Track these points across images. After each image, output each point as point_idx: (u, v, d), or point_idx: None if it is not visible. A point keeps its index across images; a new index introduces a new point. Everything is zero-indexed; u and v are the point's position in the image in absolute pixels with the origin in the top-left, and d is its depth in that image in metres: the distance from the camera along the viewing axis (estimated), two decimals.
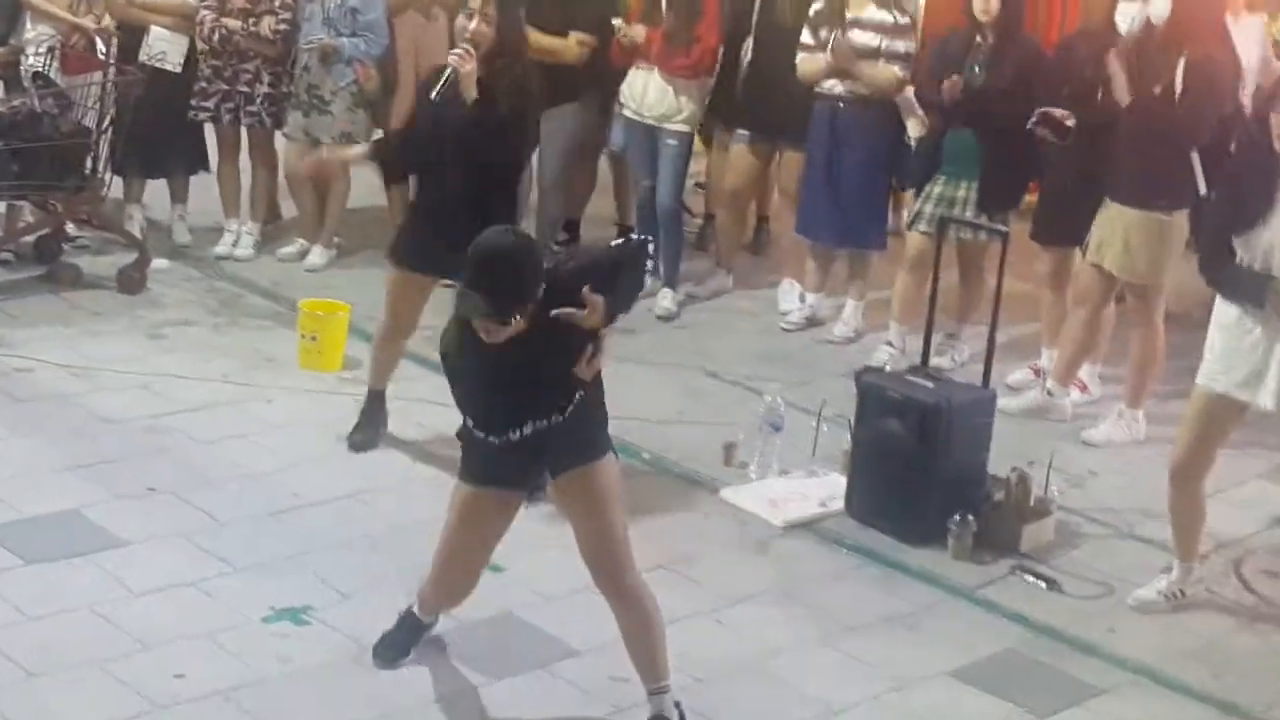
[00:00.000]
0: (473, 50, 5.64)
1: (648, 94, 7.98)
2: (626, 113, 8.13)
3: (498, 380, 4.19)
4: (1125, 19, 6.77)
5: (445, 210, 5.77)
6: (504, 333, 4.06)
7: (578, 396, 4.22)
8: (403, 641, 4.76)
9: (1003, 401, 6.84)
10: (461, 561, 4.59)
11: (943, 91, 7.18)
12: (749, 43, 8.14)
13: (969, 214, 7.20)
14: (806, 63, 7.74)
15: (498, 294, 4.03)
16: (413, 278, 6.08)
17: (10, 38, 8.04)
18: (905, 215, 7.82)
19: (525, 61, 5.93)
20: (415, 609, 4.77)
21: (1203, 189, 6.32)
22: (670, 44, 7.85)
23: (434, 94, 5.66)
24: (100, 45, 7.85)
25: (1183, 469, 5.33)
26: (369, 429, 6.27)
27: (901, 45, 7.61)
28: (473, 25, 5.69)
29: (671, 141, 8.02)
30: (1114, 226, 6.64)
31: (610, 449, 4.41)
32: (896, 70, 7.59)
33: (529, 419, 4.22)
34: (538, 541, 5.25)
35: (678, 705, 4.41)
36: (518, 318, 4.04)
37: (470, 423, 4.33)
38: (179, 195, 8.72)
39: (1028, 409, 7.03)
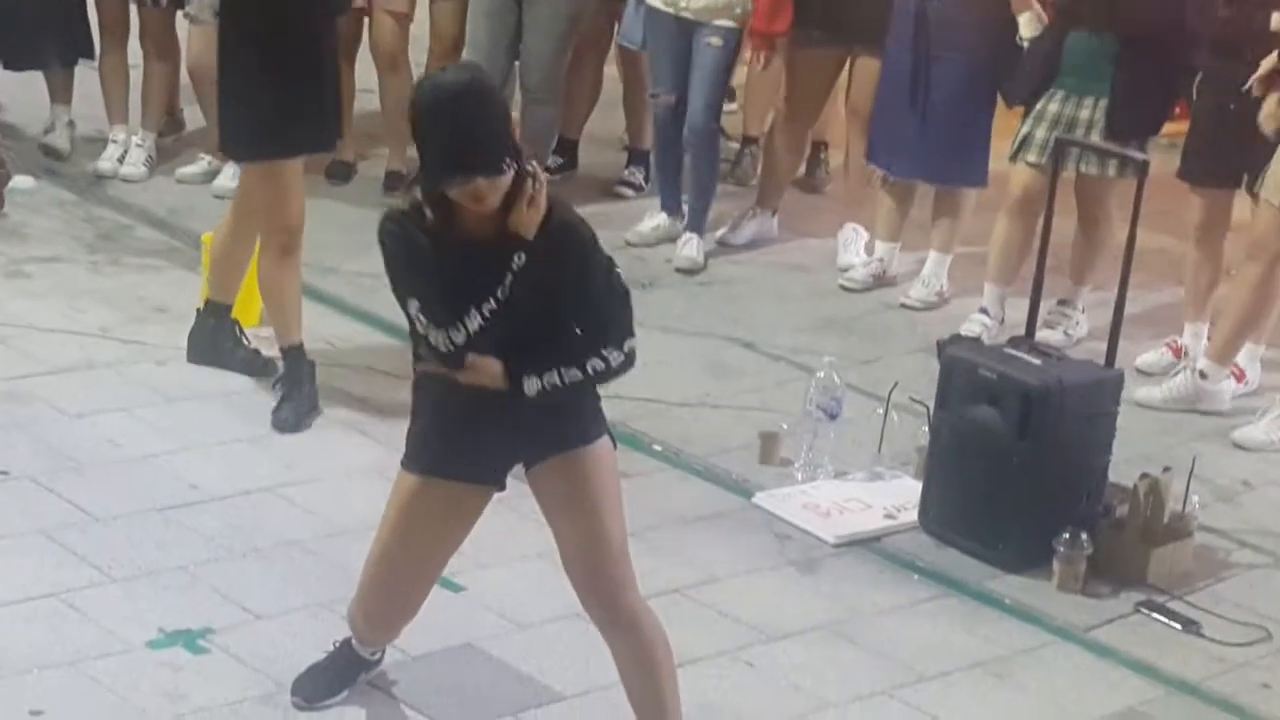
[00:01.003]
0: None
1: None
2: (654, 2, 8.15)
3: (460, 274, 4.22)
4: None
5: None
6: (497, 193, 4.09)
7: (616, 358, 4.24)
8: (333, 680, 4.80)
9: (1140, 392, 6.99)
10: (401, 575, 4.59)
11: None
12: None
13: (1095, 139, 7.23)
14: None
15: (481, 141, 4.07)
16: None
17: None
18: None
19: None
20: (353, 640, 4.82)
21: None
22: None
23: None
24: None
25: None
26: (297, 400, 6.31)
27: None
28: None
29: (716, 41, 8.05)
30: None
31: (605, 434, 4.41)
32: None
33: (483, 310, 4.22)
34: (507, 553, 5.31)
35: None
36: (509, 164, 4.07)
37: (420, 320, 4.26)
38: (59, 91, 8.74)
39: (1172, 399, 7.10)
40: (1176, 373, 7.25)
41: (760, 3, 8.03)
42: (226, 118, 6.47)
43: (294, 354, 6.40)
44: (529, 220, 4.12)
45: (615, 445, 4.46)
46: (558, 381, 4.15)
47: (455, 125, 4.06)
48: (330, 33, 6.52)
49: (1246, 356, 7.40)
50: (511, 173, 4.07)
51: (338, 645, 4.83)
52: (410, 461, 4.47)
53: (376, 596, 4.64)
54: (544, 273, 4.13)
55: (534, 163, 4.18)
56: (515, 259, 4.11)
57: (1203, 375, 7.13)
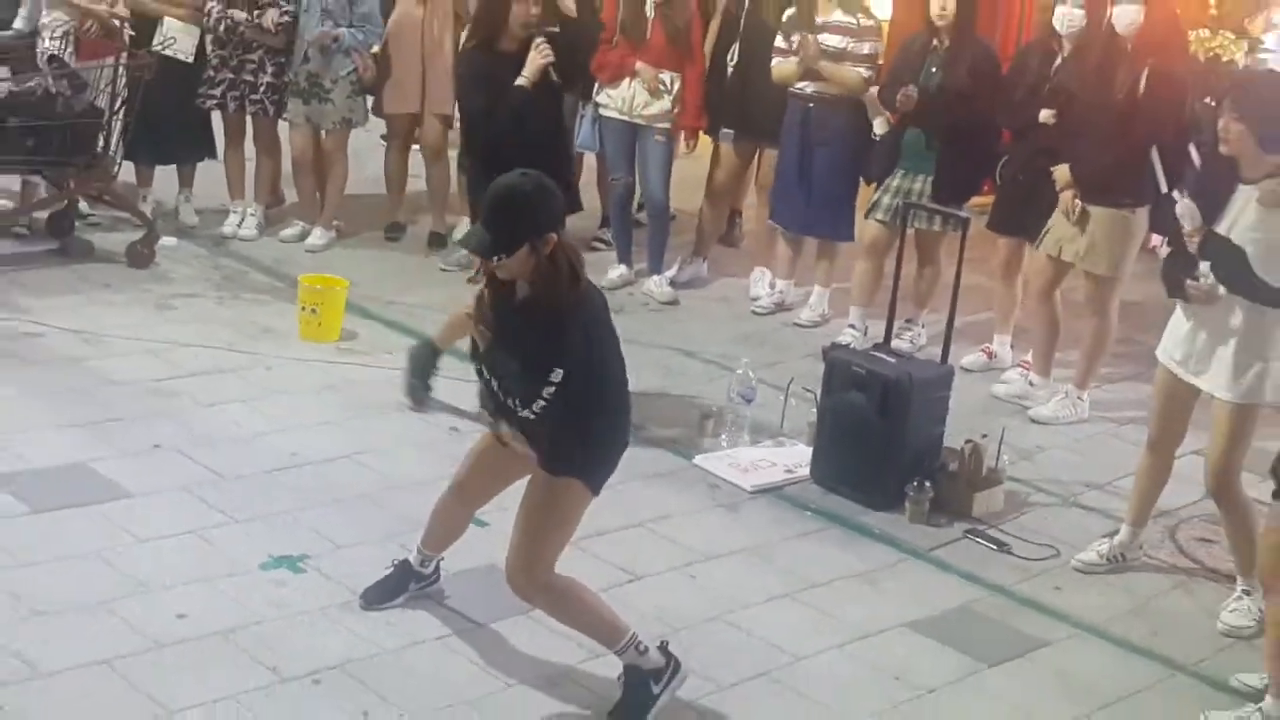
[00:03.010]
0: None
1: (636, 98, 7.92)
2: (609, 114, 8.05)
3: (499, 332, 4.13)
4: (1061, 21, 6.88)
5: None
6: (502, 270, 3.99)
7: (540, 404, 4.02)
8: (390, 589, 4.72)
9: (993, 388, 7.06)
10: (479, 464, 4.48)
11: (896, 102, 7.19)
12: (734, 50, 8.11)
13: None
14: (780, 66, 7.72)
15: (489, 229, 3.98)
16: None
17: (14, 22, 7.98)
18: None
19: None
20: (410, 558, 4.72)
21: (1163, 187, 6.32)
22: (672, 45, 7.83)
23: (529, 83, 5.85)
24: (115, 26, 7.81)
25: (1153, 439, 5.36)
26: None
27: (866, 46, 7.60)
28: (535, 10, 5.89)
29: (660, 138, 7.99)
30: (1081, 221, 6.64)
31: (578, 475, 4.15)
32: (861, 71, 7.58)
33: (500, 381, 4.14)
34: (519, 499, 5.20)
35: (662, 645, 4.30)
36: (500, 259, 3.95)
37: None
38: (185, 179, 8.65)
39: (1014, 395, 7.06)
40: (1016, 380, 7.16)
41: (689, 109, 7.96)
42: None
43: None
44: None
45: (592, 489, 4.21)
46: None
47: (486, 212, 4.03)
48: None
49: (998, 342, 7.49)
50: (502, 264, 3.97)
51: (395, 564, 4.75)
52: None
53: (453, 491, 4.56)
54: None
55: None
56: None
57: (1031, 383, 7.08)
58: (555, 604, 4.29)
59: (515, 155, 5.48)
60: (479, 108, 6.00)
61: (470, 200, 6.12)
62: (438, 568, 4.78)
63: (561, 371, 3.96)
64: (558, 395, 3.99)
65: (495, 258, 3.97)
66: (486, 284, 4.17)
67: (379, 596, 4.70)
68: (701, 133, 8.36)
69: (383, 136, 9.08)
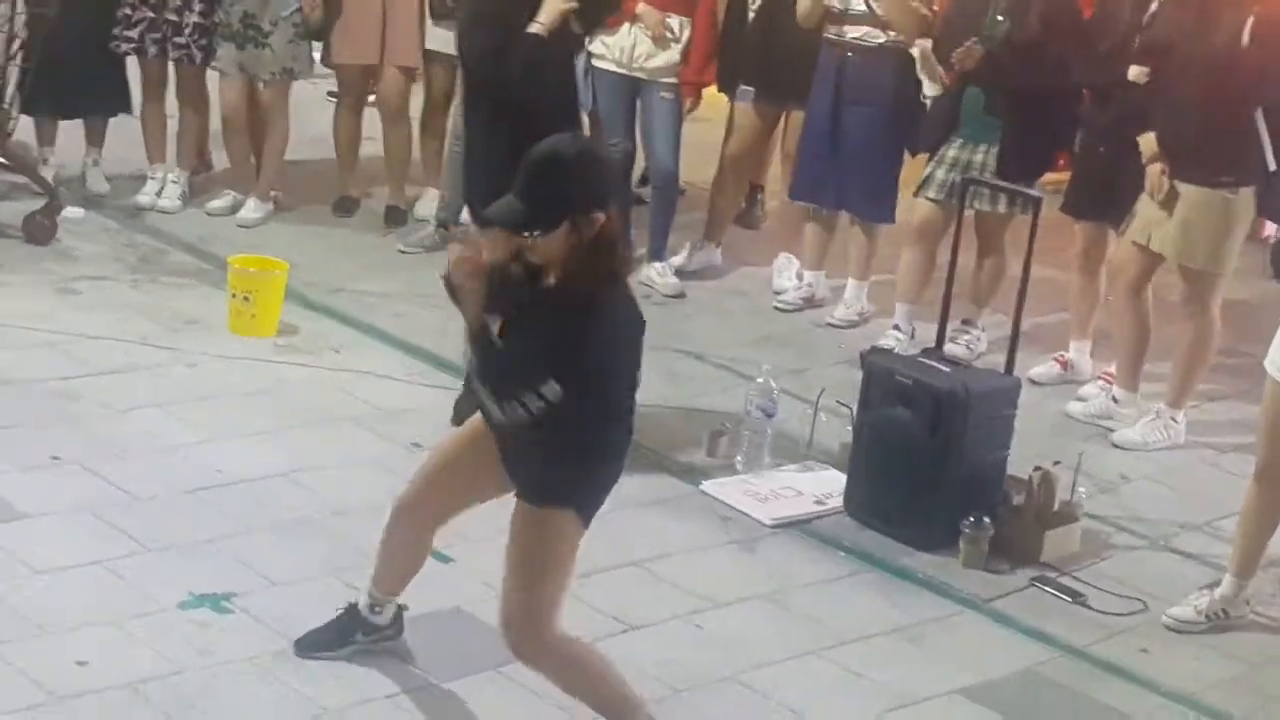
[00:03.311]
0: None
1: (638, 47, 7.94)
2: (605, 65, 8.05)
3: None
4: None
5: None
6: (535, 251, 3.98)
7: (518, 412, 3.99)
8: (335, 635, 4.71)
9: (1068, 406, 7.07)
10: (437, 478, 4.48)
11: (953, 58, 7.21)
12: None
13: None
14: (803, 3, 7.72)
15: (525, 199, 3.95)
16: None
17: None
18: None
19: None
20: (359, 602, 4.71)
21: (1272, 164, 6.33)
22: None
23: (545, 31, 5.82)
24: None
25: (1262, 469, 5.36)
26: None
27: None
28: None
29: (668, 95, 8.01)
30: (1169, 202, 6.65)
31: (568, 505, 4.16)
32: (922, 8, 7.56)
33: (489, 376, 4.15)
34: (491, 529, 5.16)
35: None
36: (535, 235, 3.93)
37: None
38: (95, 138, 8.68)
39: (1094, 415, 7.09)
40: (1097, 396, 7.18)
41: (692, 60, 7.99)
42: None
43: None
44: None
45: (583, 520, 4.21)
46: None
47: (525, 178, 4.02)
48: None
49: (1075, 349, 7.50)
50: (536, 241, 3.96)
51: (342, 608, 4.74)
52: None
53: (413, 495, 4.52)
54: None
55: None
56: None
57: (1115, 400, 7.09)
58: (563, 671, 4.28)
59: (526, 115, 5.54)
60: (486, 48, 5.95)
61: (465, 171, 6.07)
62: (399, 618, 4.75)
63: (558, 390, 3.93)
64: (543, 412, 3.96)
65: (530, 234, 3.95)
66: (506, 264, 4.13)
67: (315, 645, 4.70)
68: (713, 90, 8.36)
69: (331, 93, 9.10)
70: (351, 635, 4.72)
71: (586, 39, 6.45)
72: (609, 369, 4.10)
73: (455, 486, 4.47)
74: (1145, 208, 6.77)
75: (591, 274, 3.96)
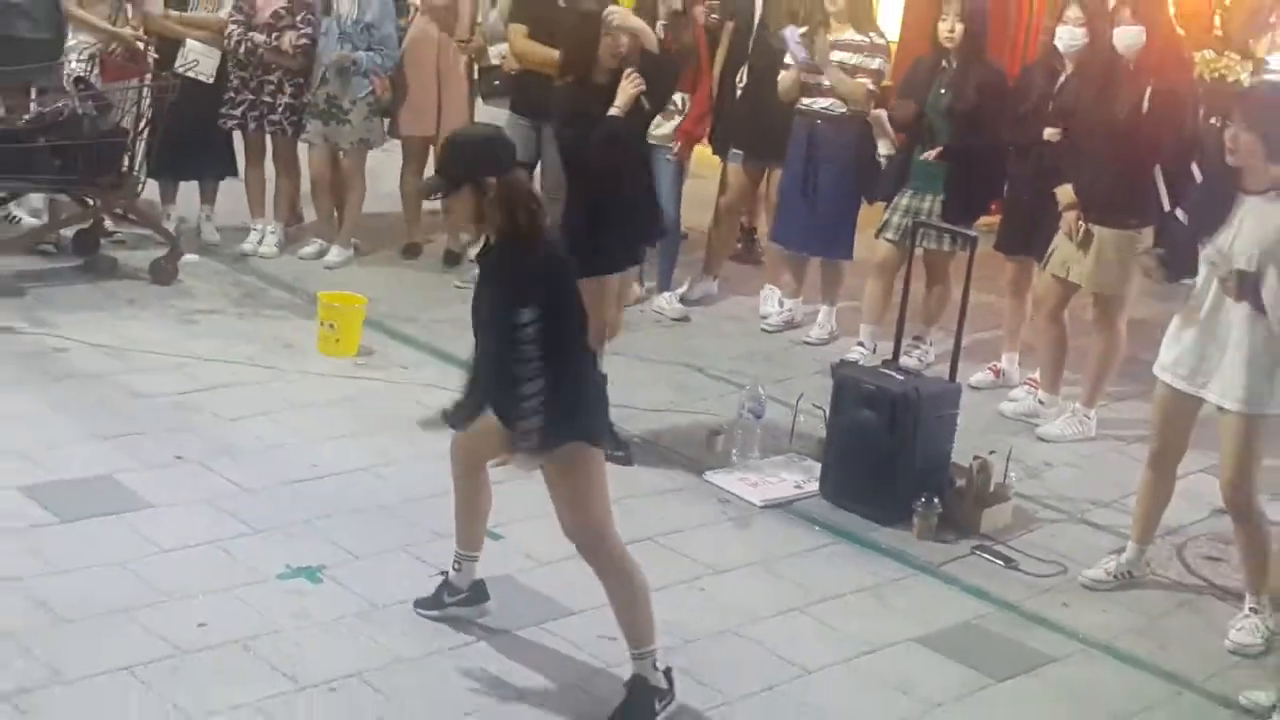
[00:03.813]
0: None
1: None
2: None
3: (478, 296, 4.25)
4: (1062, 40, 6.85)
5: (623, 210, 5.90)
6: (452, 212, 4.22)
7: (516, 359, 4.03)
8: (434, 598, 4.72)
9: (1000, 406, 7.05)
10: (468, 447, 4.51)
11: (892, 110, 7.22)
12: (743, 72, 8.14)
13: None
14: (785, 79, 7.73)
15: (437, 172, 4.26)
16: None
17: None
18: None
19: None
20: (450, 573, 4.71)
21: (1166, 205, 6.32)
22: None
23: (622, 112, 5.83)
24: (139, 49, 7.89)
25: (1153, 455, 5.36)
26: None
27: (875, 62, 7.61)
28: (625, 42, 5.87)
29: (670, 158, 8.01)
30: (1085, 242, 6.64)
31: (574, 438, 4.16)
32: (868, 83, 7.58)
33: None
34: (534, 511, 5.18)
35: (667, 671, 4.31)
36: (446, 196, 4.16)
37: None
38: (207, 197, 8.69)
39: (1019, 413, 7.06)
40: (1025, 398, 7.15)
41: (690, 115, 7.99)
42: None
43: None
44: None
45: (593, 441, 4.23)
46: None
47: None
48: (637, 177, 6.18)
49: (1007, 360, 7.48)
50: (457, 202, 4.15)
51: (440, 576, 4.76)
52: None
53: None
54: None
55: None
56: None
57: (1041, 402, 7.09)
58: (615, 572, 4.27)
59: (610, 184, 5.74)
60: (570, 138, 5.99)
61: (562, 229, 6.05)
62: (479, 587, 4.72)
63: (527, 312, 3.99)
64: (532, 343, 3.99)
65: (436, 195, 4.21)
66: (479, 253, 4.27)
67: (422, 604, 4.74)
68: (708, 152, 8.36)
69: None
70: (442, 598, 4.72)
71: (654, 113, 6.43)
72: (556, 294, 4.10)
73: (488, 448, 4.41)
74: (1063, 246, 6.75)
75: (504, 228, 4.11)
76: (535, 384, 4.01)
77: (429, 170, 8.69)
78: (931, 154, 7.20)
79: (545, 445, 4.14)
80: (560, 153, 6.15)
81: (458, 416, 4.41)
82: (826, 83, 7.61)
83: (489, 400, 4.25)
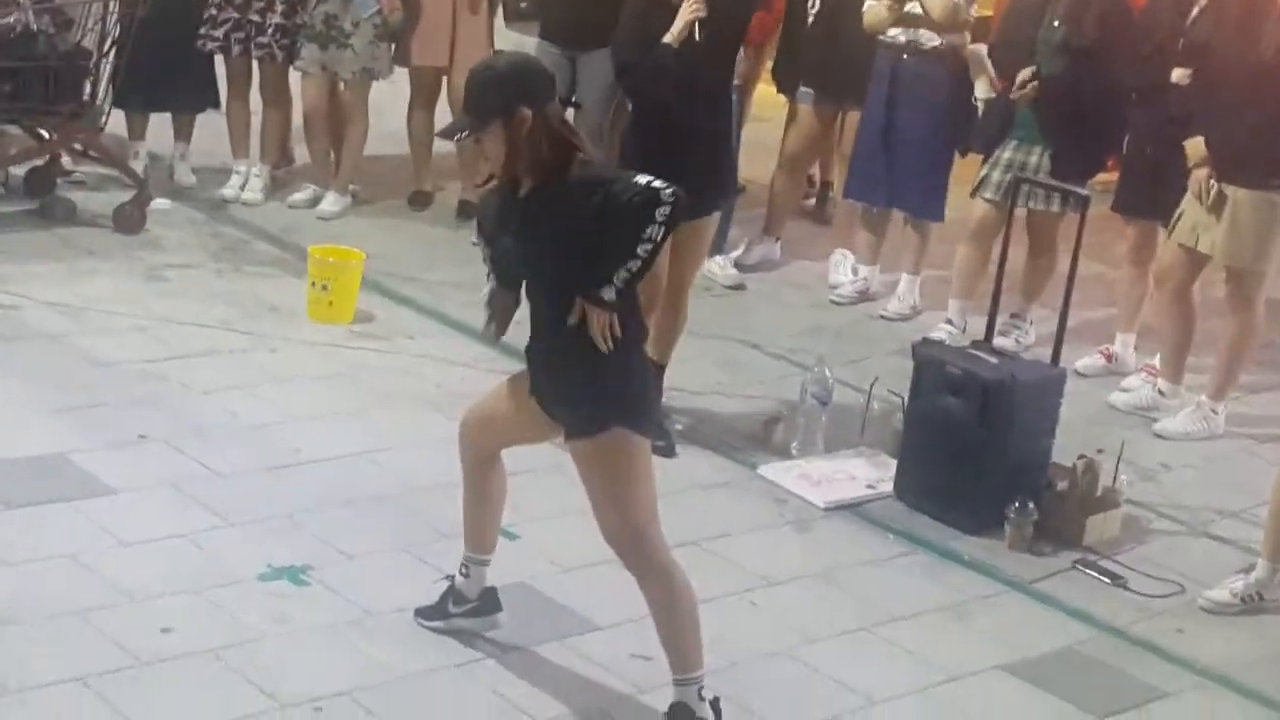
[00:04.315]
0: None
1: None
2: None
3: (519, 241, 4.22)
4: None
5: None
6: (482, 156, 4.23)
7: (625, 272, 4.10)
8: (437, 606, 4.76)
9: (1112, 397, 7.05)
10: (482, 432, 4.56)
11: (1012, 95, 7.22)
12: None
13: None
14: (872, 11, 7.74)
15: (463, 107, 4.24)
16: None
17: None
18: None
19: None
20: (456, 577, 4.76)
21: None
22: None
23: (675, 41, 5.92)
24: None
25: None
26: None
27: None
28: None
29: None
30: (1217, 206, 6.62)
31: (620, 423, 4.19)
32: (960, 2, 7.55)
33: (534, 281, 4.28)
34: (556, 508, 5.29)
35: (714, 701, 4.33)
36: (467, 137, 4.20)
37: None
38: (183, 132, 8.77)
39: (1137, 406, 7.08)
40: (1142, 387, 7.18)
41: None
42: None
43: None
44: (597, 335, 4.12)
45: (637, 429, 4.23)
46: (627, 276, 4.08)
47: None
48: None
49: (1121, 343, 7.50)
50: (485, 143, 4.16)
51: (445, 580, 4.79)
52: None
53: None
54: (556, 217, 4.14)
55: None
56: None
57: (1161, 393, 7.08)
58: (660, 583, 4.27)
59: (660, 120, 5.85)
60: (622, 61, 6.18)
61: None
62: (490, 595, 4.74)
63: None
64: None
65: (461, 136, 4.25)
66: (496, 191, 4.29)
67: (423, 613, 4.78)
68: (772, 90, 8.36)
69: None
70: (447, 607, 4.76)
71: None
72: (598, 247, 4.13)
73: (504, 434, 4.55)
74: (1191, 210, 6.74)
75: (539, 166, 4.13)
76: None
77: (442, 106, 8.78)
78: (1026, 84, 7.15)
79: (587, 429, 4.20)
80: (617, 79, 6.24)
81: (489, 329, 4.43)
82: (915, 9, 7.60)
83: (549, 379, 4.28)
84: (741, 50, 7.91)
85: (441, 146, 8.91)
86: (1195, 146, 6.67)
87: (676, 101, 5.97)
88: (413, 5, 8.44)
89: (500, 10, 8.56)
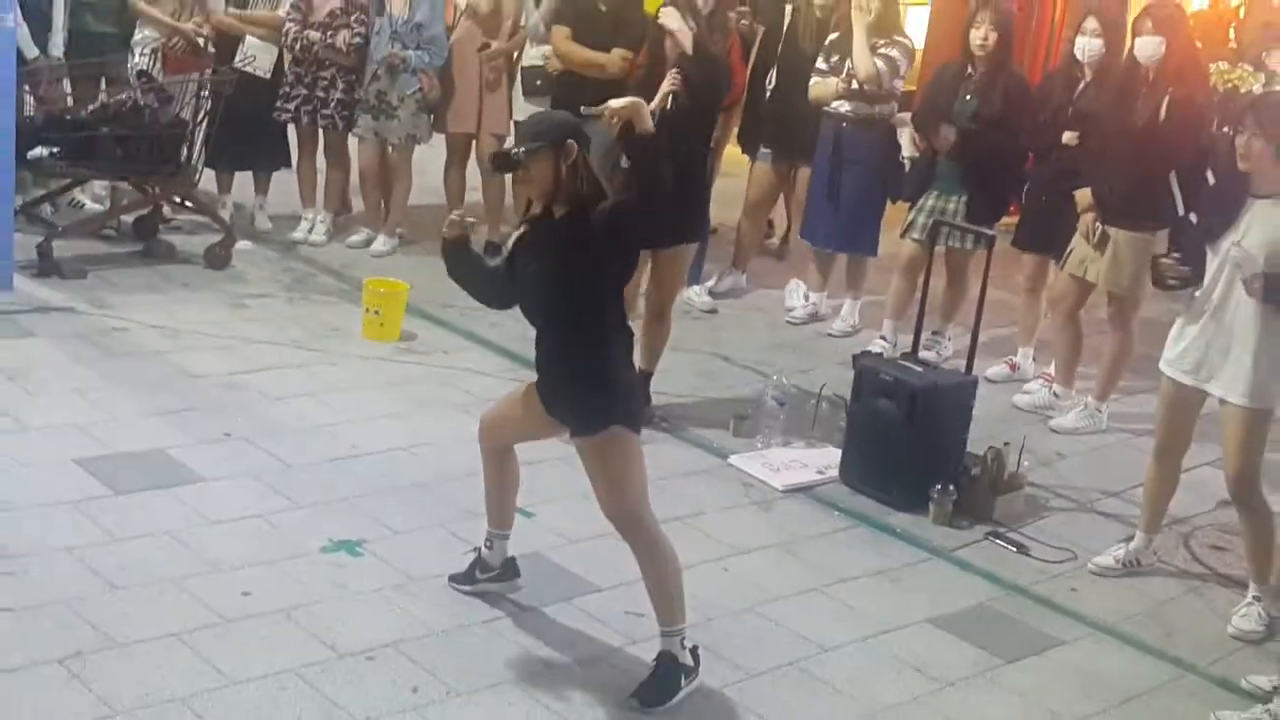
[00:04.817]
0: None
1: None
2: None
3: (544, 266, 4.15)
4: (1081, 50, 6.80)
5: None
6: (526, 181, 4.14)
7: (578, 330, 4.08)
8: (468, 573, 4.69)
9: (1015, 398, 6.99)
10: (498, 430, 4.49)
11: (938, 141, 7.14)
12: (773, 73, 8.09)
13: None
14: (818, 86, 7.68)
15: (523, 132, 4.17)
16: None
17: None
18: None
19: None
20: (482, 549, 4.68)
21: (1180, 210, 6.23)
22: None
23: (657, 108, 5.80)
24: (200, 44, 7.90)
25: (1158, 447, 5.29)
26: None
27: (895, 51, 7.47)
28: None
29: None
30: (1101, 243, 6.56)
31: (616, 422, 4.12)
32: (880, 64, 7.42)
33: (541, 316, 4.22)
34: (564, 491, 5.22)
35: (694, 650, 4.27)
36: (521, 156, 4.05)
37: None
38: (261, 187, 8.71)
39: (1036, 406, 7.00)
40: (1039, 390, 7.08)
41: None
42: None
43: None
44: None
45: (633, 428, 4.17)
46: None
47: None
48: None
49: (1022, 355, 7.41)
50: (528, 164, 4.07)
51: (473, 552, 4.71)
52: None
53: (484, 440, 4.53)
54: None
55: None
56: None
57: (1055, 395, 7.02)
58: (651, 552, 4.21)
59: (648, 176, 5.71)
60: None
61: None
62: (511, 564, 4.68)
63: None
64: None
65: (516, 152, 4.09)
66: (527, 223, 4.22)
67: (456, 579, 4.70)
68: (740, 152, 8.32)
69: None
70: (474, 573, 4.69)
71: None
72: (620, 258, 4.11)
73: (516, 432, 4.48)
74: (1080, 247, 6.68)
75: (576, 193, 4.05)
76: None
77: (471, 165, 8.71)
78: (949, 140, 7.07)
79: (592, 428, 4.12)
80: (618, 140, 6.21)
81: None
82: (853, 86, 7.53)
83: (556, 389, 4.22)
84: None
85: (472, 197, 8.88)
86: (1084, 195, 6.61)
87: (662, 156, 5.87)
88: (447, 84, 8.38)
89: (520, 87, 8.50)
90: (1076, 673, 4.72)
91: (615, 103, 4.35)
